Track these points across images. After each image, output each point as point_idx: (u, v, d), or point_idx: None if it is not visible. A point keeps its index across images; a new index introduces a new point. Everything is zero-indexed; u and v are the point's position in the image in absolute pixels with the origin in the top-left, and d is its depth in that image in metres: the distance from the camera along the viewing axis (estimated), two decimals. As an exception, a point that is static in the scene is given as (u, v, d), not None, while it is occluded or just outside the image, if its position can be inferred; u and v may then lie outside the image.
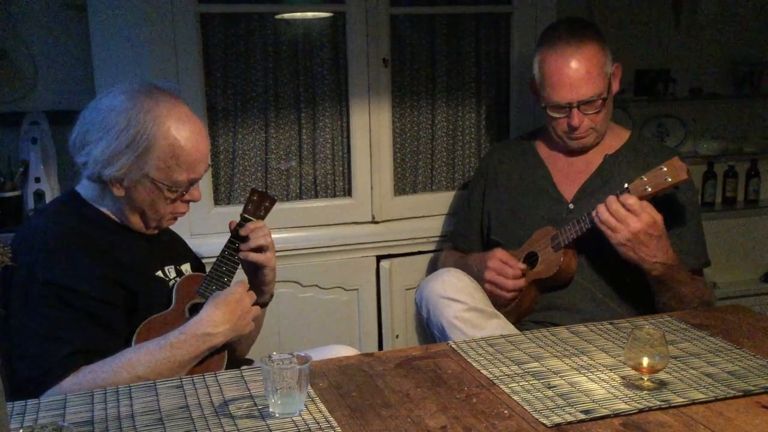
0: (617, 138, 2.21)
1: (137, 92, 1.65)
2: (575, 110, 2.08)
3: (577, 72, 2.05)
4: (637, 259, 1.91)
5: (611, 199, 1.90)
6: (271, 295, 1.96)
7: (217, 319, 1.62)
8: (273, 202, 1.88)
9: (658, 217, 1.88)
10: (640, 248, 1.89)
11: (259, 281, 1.87)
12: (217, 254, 1.80)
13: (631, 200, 1.87)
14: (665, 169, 1.88)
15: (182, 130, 1.64)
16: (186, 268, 1.85)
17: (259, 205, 1.85)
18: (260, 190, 1.93)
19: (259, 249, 1.81)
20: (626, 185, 1.93)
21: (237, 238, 1.81)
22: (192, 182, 1.71)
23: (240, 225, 1.82)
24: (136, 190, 1.66)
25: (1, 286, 1.60)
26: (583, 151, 2.19)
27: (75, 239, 1.62)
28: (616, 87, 2.17)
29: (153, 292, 1.70)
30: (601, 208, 1.91)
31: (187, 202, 1.75)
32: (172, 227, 1.90)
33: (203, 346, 1.60)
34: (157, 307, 1.68)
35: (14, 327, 1.56)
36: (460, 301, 1.98)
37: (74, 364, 1.52)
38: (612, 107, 2.17)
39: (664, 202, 1.99)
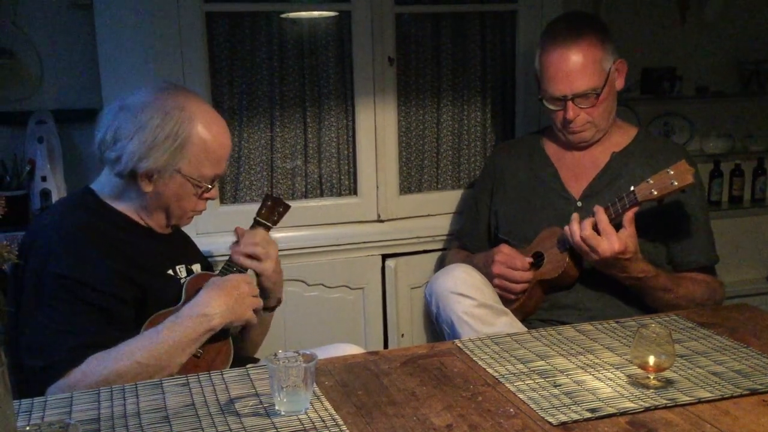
0: (624, 136, 2.20)
1: (165, 89, 1.71)
2: (570, 103, 2.08)
3: (572, 65, 2.05)
4: (607, 273, 1.98)
5: (585, 224, 1.92)
6: (279, 301, 1.96)
7: (211, 300, 1.62)
8: (287, 208, 1.90)
9: (630, 244, 1.89)
10: (609, 269, 1.96)
11: (259, 286, 1.86)
12: (223, 252, 1.81)
13: (603, 224, 1.90)
14: (672, 172, 1.87)
15: (212, 127, 1.71)
16: (197, 268, 1.86)
17: (272, 210, 1.87)
18: (275, 196, 1.94)
19: (253, 257, 1.81)
20: (632, 188, 1.92)
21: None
22: (215, 178, 1.75)
23: (251, 228, 1.84)
24: (166, 185, 1.69)
25: (9, 284, 1.61)
26: (582, 147, 2.18)
27: (87, 234, 1.63)
28: (620, 84, 2.15)
29: (164, 289, 1.71)
30: (575, 232, 1.92)
31: (206, 199, 1.78)
32: (182, 228, 1.91)
33: (200, 328, 1.60)
34: (167, 305, 1.68)
35: (24, 319, 1.57)
36: (470, 296, 1.98)
37: (81, 357, 1.52)
38: (614, 104, 2.15)
39: (672, 200, 1.99)
